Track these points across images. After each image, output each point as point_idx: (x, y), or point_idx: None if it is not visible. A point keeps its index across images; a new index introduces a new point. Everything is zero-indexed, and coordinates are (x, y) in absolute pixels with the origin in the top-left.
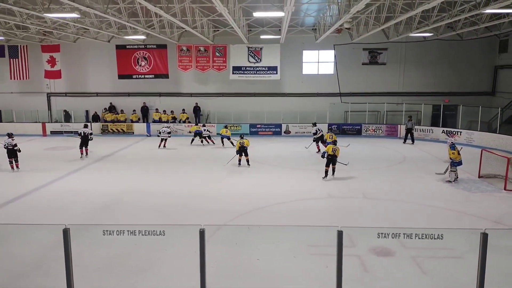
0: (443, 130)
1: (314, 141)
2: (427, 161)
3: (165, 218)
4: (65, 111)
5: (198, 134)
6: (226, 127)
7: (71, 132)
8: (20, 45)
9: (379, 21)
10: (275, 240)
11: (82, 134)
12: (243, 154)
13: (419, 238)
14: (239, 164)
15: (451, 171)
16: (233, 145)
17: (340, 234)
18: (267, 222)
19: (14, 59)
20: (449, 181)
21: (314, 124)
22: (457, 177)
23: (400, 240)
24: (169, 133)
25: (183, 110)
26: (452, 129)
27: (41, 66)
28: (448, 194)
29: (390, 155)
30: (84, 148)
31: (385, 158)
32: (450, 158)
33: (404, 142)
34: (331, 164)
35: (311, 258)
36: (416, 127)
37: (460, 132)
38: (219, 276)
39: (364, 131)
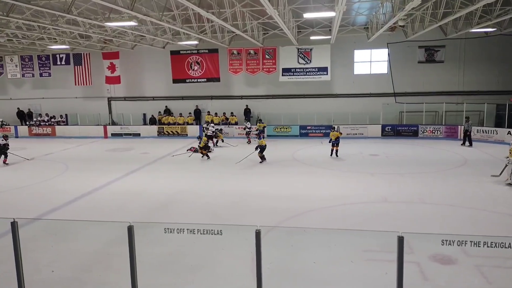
0: (509, 131)
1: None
2: (490, 164)
3: (217, 218)
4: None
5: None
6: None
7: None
8: (83, 53)
9: (436, 17)
10: (331, 244)
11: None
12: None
13: (487, 246)
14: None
15: None
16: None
17: (400, 240)
18: (320, 225)
19: (78, 66)
20: (510, 184)
21: (248, 121)
22: None
23: (462, 248)
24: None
25: (232, 113)
26: None
27: (102, 72)
28: None
29: (449, 157)
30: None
31: (444, 161)
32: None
33: (463, 144)
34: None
35: (367, 263)
36: (477, 128)
37: None
38: (274, 277)
39: (421, 132)
